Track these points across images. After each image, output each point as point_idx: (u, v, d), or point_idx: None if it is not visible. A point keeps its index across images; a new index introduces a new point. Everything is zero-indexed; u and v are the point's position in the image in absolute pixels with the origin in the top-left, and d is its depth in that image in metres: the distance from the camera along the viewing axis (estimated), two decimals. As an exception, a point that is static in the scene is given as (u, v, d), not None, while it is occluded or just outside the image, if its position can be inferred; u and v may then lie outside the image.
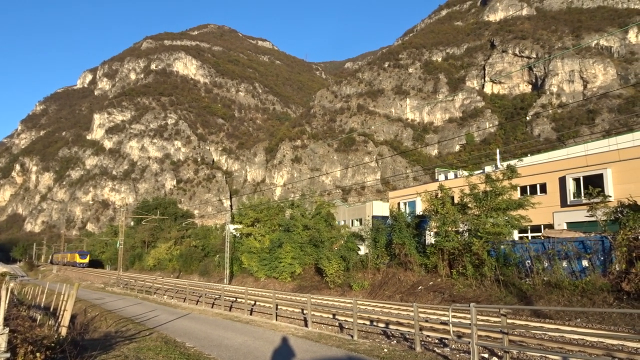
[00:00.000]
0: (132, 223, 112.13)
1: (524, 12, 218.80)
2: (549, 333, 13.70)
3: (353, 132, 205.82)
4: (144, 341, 14.27)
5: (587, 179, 32.22)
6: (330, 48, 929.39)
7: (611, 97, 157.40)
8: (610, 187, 30.73)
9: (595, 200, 22.92)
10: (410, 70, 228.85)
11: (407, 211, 36.97)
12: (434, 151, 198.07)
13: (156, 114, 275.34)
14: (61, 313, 15.66)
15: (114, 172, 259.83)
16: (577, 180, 33.30)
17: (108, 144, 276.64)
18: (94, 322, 20.79)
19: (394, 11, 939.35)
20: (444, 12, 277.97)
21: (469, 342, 10.93)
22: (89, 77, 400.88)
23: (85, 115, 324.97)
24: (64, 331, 13.78)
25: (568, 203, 33.20)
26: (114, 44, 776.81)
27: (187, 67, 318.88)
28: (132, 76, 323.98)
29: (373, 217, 54.46)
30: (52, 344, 11.28)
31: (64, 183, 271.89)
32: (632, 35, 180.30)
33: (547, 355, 11.32)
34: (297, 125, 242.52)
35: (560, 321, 16.95)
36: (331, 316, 20.09)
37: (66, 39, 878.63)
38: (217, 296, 28.03)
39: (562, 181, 34.25)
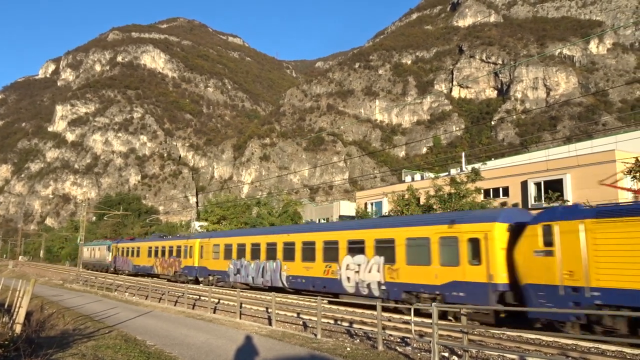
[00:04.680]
0: (94, 218, 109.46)
1: (492, 19, 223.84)
2: (508, 332, 14.06)
3: (322, 131, 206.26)
4: (103, 339, 13.95)
5: (547, 183, 33.21)
6: (301, 47, 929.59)
7: (572, 105, 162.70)
8: (569, 192, 31.76)
9: (555, 204, 23.64)
10: (380, 71, 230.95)
11: (374, 211, 37.33)
12: (401, 153, 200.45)
13: (121, 107, 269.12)
14: (16, 310, 15.16)
15: (76, 166, 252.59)
16: (538, 184, 34.28)
17: (70, 137, 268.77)
18: (51, 319, 20.17)
19: (365, 13, 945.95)
20: (414, 16, 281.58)
21: (430, 341, 11.12)
22: (52, 67, 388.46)
23: (46, 106, 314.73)
24: (18, 328, 13.33)
25: (529, 206, 34.15)
26: (79, 34, 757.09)
27: (155, 60, 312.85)
28: (97, 68, 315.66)
29: (340, 216, 54.80)
30: (6, 342, 10.91)
31: (23, 176, 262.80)
32: (593, 46, 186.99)
33: (505, 355, 11.61)
34: (266, 123, 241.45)
35: (518, 321, 17.36)
36: (295, 315, 20.09)
37: (28, 27, 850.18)
38: (180, 294, 27.65)
39: (524, 185, 35.19)
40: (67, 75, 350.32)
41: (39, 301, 26.17)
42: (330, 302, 21.58)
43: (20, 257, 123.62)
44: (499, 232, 16.18)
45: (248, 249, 29.11)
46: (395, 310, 19.16)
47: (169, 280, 39.24)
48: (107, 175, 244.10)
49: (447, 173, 44.50)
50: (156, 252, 43.34)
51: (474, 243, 16.69)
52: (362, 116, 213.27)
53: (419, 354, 12.28)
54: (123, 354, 11.77)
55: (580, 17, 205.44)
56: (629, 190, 19.68)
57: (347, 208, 59.42)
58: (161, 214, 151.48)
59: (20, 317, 13.90)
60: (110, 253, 55.75)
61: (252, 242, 29.11)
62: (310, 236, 24.40)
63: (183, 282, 34.89)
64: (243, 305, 21.49)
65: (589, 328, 13.21)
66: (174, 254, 39.27)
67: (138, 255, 47.60)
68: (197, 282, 35.33)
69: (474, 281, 16.45)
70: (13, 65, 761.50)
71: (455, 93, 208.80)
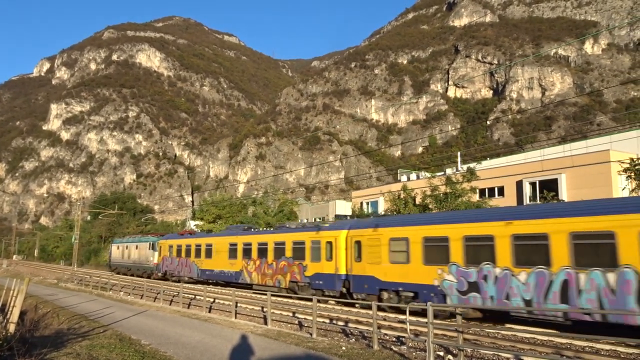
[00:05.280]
0: (88, 217, 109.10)
1: (488, 18, 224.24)
2: (502, 332, 14.07)
3: (318, 130, 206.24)
4: (97, 338, 13.90)
5: (542, 183, 33.32)
6: (297, 46, 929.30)
7: (567, 105, 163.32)
8: (564, 192, 31.87)
9: (550, 203, 23.69)
10: (376, 71, 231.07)
11: (370, 211, 37.37)
12: (397, 152, 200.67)
13: (117, 106, 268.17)
14: (10, 309, 15.06)
15: (70, 165, 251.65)
16: (533, 184, 34.39)
17: (65, 135, 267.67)
18: (45, 318, 20.07)
19: (361, 12, 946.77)
20: (410, 16, 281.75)
21: (426, 340, 11.13)
22: (47, 65, 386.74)
23: (41, 105, 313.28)
24: (12, 328, 13.24)
25: (524, 206, 34.23)
26: (74, 33, 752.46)
27: (150, 59, 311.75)
28: (92, 66, 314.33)
29: (336, 216, 54.72)
30: (-1, 341, 10.84)
31: (17, 174, 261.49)
32: (588, 46, 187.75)
33: (500, 354, 11.63)
34: (262, 122, 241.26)
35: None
36: (291, 314, 20.07)
37: (23, 25, 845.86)
38: (175, 293, 27.57)
39: (519, 185, 35.29)
40: (62, 73, 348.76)
41: (33, 300, 26.04)
42: (318, 301, 21.34)
43: (14, 256, 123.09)
44: None
45: (502, 246, 15.06)
46: (391, 310, 19.15)
47: (275, 294, 24.26)
48: (102, 174, 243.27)
49: (442, 172, 44.57)
50: (247, 251, 29.50)
51: None
52: (358, 115, 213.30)
53: (414, 353, 12.29)
54: (117, 354, 11.73)
55: (575, 17, 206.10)
56: None
57: (343, 207, 59.43)
58: (156, 213, 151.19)
59: (14, 316, 13.80)
60: (156, 253, 43.18)
61: (514, 232, 14.83)
62: None
63: (308, 298, 19.53)
64: (238, 305, 21.46)
65: None
66: (288, 254, 25.84)
67: (208, 255, 33.94)
68: (341, 297, 21.83)
69: None
70: (7, 64, 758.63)
71: (451, 93, 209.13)
